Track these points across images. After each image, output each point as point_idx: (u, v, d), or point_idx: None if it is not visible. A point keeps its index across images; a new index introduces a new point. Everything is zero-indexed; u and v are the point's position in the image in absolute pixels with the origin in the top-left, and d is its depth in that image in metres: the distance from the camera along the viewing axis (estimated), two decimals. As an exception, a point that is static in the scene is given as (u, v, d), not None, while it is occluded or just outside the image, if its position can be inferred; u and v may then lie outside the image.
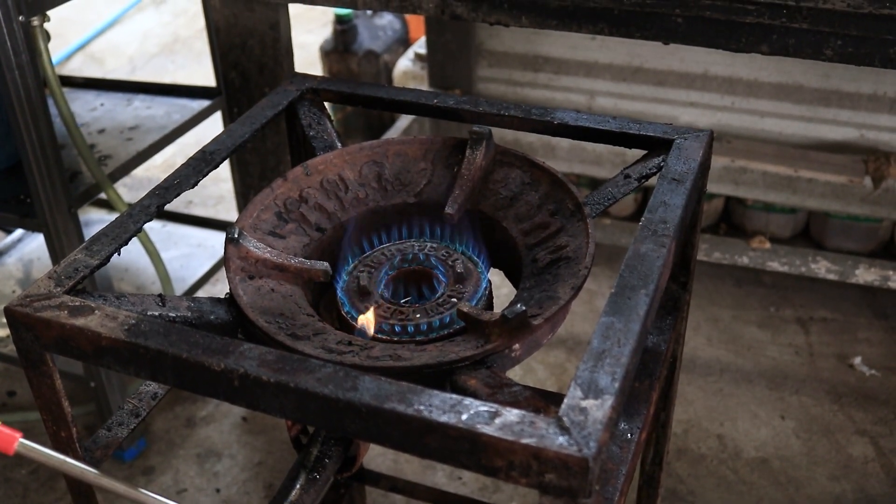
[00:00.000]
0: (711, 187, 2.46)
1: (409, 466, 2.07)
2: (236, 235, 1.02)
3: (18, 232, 2.69)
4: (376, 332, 1.01)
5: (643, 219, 0.99)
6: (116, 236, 1.00)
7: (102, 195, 1.96)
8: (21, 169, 1.82)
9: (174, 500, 0.88)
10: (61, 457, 0.88)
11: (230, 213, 3.04)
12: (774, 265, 2.36)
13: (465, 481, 2.05)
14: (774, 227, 2.59)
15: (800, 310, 2.51)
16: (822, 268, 2.41)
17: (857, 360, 2.32)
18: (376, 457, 2.09)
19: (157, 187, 1.09)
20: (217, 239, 2.55)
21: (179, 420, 2.26)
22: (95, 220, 2.74)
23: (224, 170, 3.31)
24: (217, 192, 3.22)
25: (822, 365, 2.33)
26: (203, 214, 2.82)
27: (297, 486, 0.91)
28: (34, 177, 1.78)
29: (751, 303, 2.55)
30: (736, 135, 2.53)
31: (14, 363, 2.24)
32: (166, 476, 2.10)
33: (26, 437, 0.87)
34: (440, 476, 2.05)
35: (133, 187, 3.18)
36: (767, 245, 2.39)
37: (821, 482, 2.02)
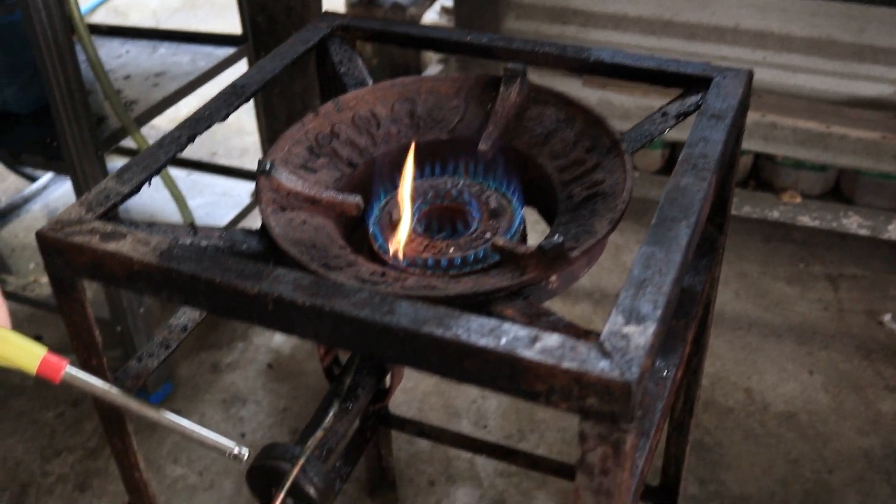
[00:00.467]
0: (741, 141, 2.43)
1: (434, 415, 2.06)
2: (268, 168, 1.01)
3: (43, 179, 2.69)
4: (409, 265, 0.99)
5: (683, 153, 0.97)
6: (147, 165, 0.99)
7: (128, 142, 1.95)
8: (48, 113, 1.82)
9: (227, 437, 0.88)
10: (106, 386, 0.88)
11: (254, 164, 3.02)
12: (805, 220, 2.33)
13: (490, 430, 2.04)
14: (804, 185, 2.55)
15: (829, 266, 2.49)
16: (854, 223, 2.37)
17: (887, 318, 2.30)
18: (401, 405, 2.08)
19: (188, 119, 1.07)
20: (242, 188, 2.54)
21: (205, 366, 2.27)
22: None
23: (248, 121, 3.30)
24: (241, 144, 3.20)
25: (851, 321, 2.31)
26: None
27: (331, 414, 0.90)
28: (61, 120, 1.77)
29: (780, 258, 2.52)
30: (767, 90, 2.49)
31: (40, 307, 2.25)
32: (192, 420, 2.10)
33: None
34: (465, 425, 2.05)
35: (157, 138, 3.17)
36: (798, 199, 2.36)
37: (849, 436, 2.00)
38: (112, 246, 0.86)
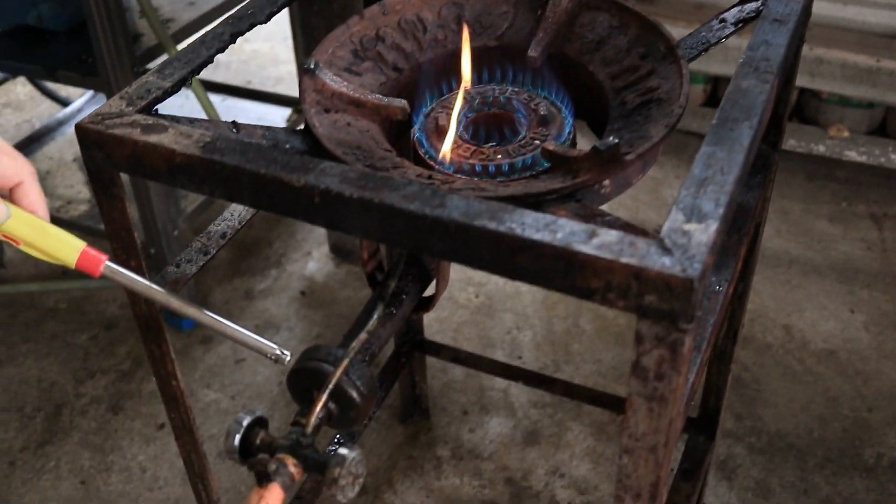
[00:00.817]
0: (788, 74, 2.37)
1: (468, 345, 2.04)
2: (313, 66, 0.98)
3: (79, 102, 2.68)
4: (455, 171, 0.96)
5: (744, 56, 0.92)
6: (189, 61, 0.96)
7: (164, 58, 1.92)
8: (83, 31, 1.80)
9: (268, 339, 0.86)
10: (146, 282, 0.85)
11: (289, 92, 2.99)
12: (852, 154, 2.28)
13: (525, 361, 2.02)
14: (850, 123, 2.50)
15: (873, 205, 2.43)
16: (902, 159, 2.32)
17: (932, 257, 2.25)
18: (435, 334, 2.07)
19: (230, 16, 1.04)
20: (276, 114, 2.51)
21: (238, 292, 2.26)
22: (155, 93, 2.71)
23: (283, 50, 3.26)
24: (276, 73, 3.17)
25: (894, 260, 2.26)
26: (263, 92, 2.78)
27: (375, 318, 0.88)
28: (98, 36, 1.75)
29: (822, 196, 2.47)
30: (815, 22, 2.42)
31: (74, 229, 2.24)
32: (225, 346, 2.10)
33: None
34: (500, 356, 2.03)
35: (192, 66, 3.14)
36: (846, 133, 2.30)
37: (890, 376, 1.97)
38: (153, 138, 0.84)
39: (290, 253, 2.37)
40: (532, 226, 0.71)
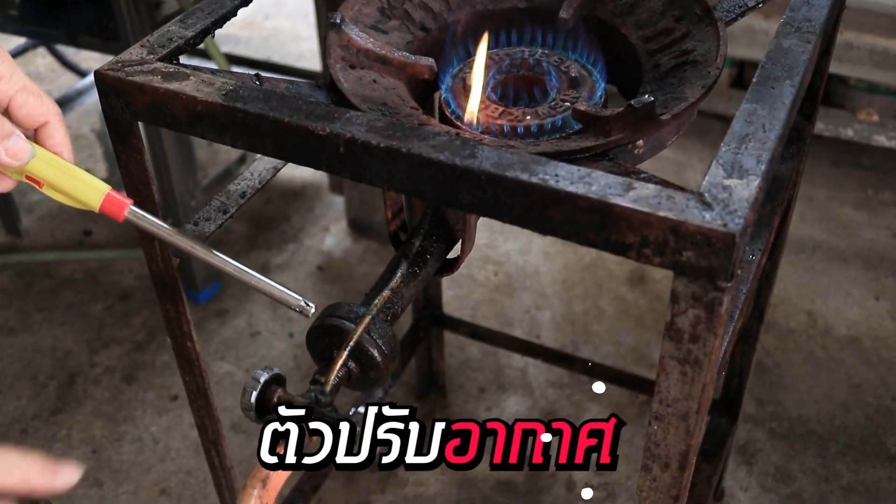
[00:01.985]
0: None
1: (486, 323, 2.02)
2: (339, 21, 0.95)
3: (98, 73, 2.65)
4: (483, 131, 0.94)
5: (785, 18, 0.89)
6: (212, 11, 0.94)
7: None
8: (104, -4, 1.78)
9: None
10: (170, 228, 0.83)
11: (310, 67, 2.97)
12: (881, 139, 2.23)
13: (543, 340, 2.00)
14: (877, 110, 2.45)
15: (900, 193, 2.40)
16: (931, 146, 2.28)
17: (959, 246, 2.21)
18: (453, 312, 2.04)
19: (255, -30, 1.02)
20: (298, 89, 2.48)
21: (254, 266, 2.22)
22: (175, 65, 2.69)
23: (304, 27, 3.24)
24: (297, 49, 3.14)
25: (921, 249, 2.23)
26: (283, 67, 2.75)
27: (398, 275, 0.85)
28: (119, 1, 1.72)
29: (848, 183, 2.43)
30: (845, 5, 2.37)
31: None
32: (240, 319, 2.08)
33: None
34: (518, 334, 2.00)
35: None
36: (875, 118, 2.26)
37: (915, 364, 1.94)
38: (175, 85, 0.81)
39: (307, 228, 2.35)
40: (566, 178, 0.68)
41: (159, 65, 0.85)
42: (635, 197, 0.66)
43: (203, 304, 2.13)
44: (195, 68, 0.87)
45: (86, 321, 2.11)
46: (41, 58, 3.07)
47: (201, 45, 0.94)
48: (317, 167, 0.77)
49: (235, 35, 3.20)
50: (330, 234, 2.33)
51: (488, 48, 1.06)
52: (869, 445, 1.78)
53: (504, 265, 2.21)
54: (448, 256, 0.94)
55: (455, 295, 2.12)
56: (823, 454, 1.77)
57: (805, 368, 1.94)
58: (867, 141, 2.27)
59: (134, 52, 0.87)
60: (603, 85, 1.01)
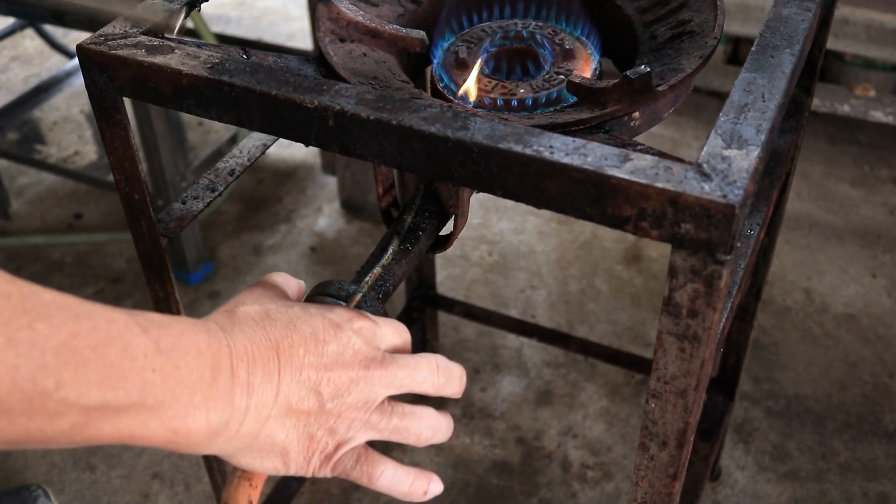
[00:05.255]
0: (812, 34, 2.31)
1: (481, 303, 2.00)
2: (327, -7, 0.93)
3: (86, 54, 2.62)
4: (476, 105, 0.92)
5: (783, -14, 0.88)
6: (198, -17, 0.92)
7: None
8: (91, -29, 1.75)
9: None
10: None
11: (302, 48, 2.94)
12: (878, 115, 2.21)
13: (539, 320, 1.98)
14: (874, 86, 2.43)
15: (896, 169, 2.38)
16: (929, 122, 2.26)
17: (957, 222, 2.20)
18: (447, 292, 2.02)
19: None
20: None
21: (247, 248, 2.22)
22: (164, 45, 2.66)
23: (294, 7, 3.21)
24: (287, 29, 3.11)
25: (918, 225, 2.22)
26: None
27: (389, 252, 0.83)
28: (105, -23, 1.70)
29: (844, 160, 2.42)
30: (842, -22, 2.35)
31: (81, 181, 2.20)
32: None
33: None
34: (513, 314, 1.99)
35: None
36: (872, 93, 2.24)
37: (912, 340, 1.92)
38: (159, 59, 0.79)
39: (300, 208, 2.33)
40: (561, 149, 0.66)
41: (143, 38, 0.83)
42: (632, 168, 0.64)
43: (195, 286, 2.11)
44: (180, 41, 0.85)
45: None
46: (29, 39, 3.05)
47: (191, 25, 0.92)
48: (305, 142, 0.75)
49: (226, 15, 3.17)
50: (323, 214, 2.31)
51: (481, 21, 1.05)
52: (866, 423, 1.77)
53: (498, 245, 2.19)
54: (441, 233, 0.92)
55: (449, 275, 2.10)
56: (820, 432, 1.76)
57: (802, 346, 1.92)
58: (864, 117, 2.25)
59: (117, 25, 0.85)
60: (598, 57, 0.99)
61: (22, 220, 2.32)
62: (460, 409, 1.80)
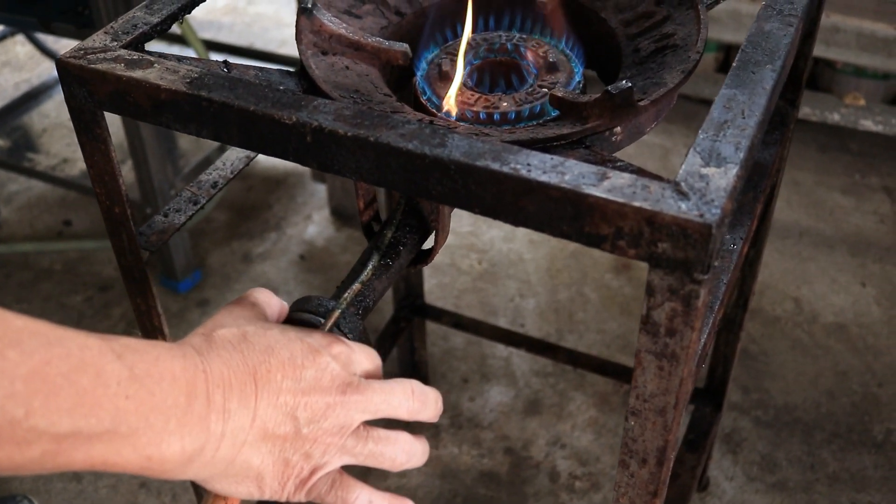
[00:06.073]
0: (803, 42, 2.31)
1: (470, 311, 2.00)
2: (310, 6, 0.92)
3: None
4: (458, 118, 0.91)
5: (766, 1, 0.87)
6: (179, -4, 0.91)
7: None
8: (80, -21, 1.74)
9: None
10: None
11: (293, 55, 2.93)
12: (868, 124, 2.22)
13: (528, 329, 1.98)
14: (864, 94, 2.43)
15: (887, 178, 2.38)
16: (918, 131, 2.26)
17: (946, 231, 2.20)
18: (436, 301, 2.02)
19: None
20: (279, 75, 2.45)
21: (236, 255, 2.21)
22: (156, 50, 2.66)
23: (287, 13, 3.20)
24: (279, 35, 3.11)
25: (908, 234, 2.22)
26: (265, 53, 2.72)
27: (369, 268, 0.83)
28: (93, -15, 1.70)
29: (835, 169, 2.42)
30: (831, -11, 2.36)
31: (71, 189, 2.19)
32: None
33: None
34: (502, 323, 1.98)
35: (194, 29, 3.08)
36: (862, 102, 2.24)
37: (902, 350, 1.92)
38: (138, 73, 0.79)
39: (289, 216, 2.33)
40: (538, 167, 0.66)
41: (123, 52, 0.82)
42: (609, 187, 0.64)
43: (184, 294, 2.10)
44: (160, 55, 0.85)
45: (65, 313, 2.08)
46: (21, 45, 3.04)
47: (179, 32, 0.92)
48: (284, 157, 0.75)
49: (218, 21, 3.17)
50: (312, 222, 2.31)
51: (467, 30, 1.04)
52: (855, 433, 1.77)
53: (488, 253, 2.19)
54: (424, 247, 0.92)
55: (438, 283, 2.10)
56: (809, 442, 1.75)
57: (791, 356, 1.92)
58: (854, 125, 2.25)
59: (97, 38, 0.84)
60: (581, 70, 0.99)
61: (11, 228, 2.31)
62: (448, 418, 1.80)
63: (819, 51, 2.34)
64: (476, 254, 2.18)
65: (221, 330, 0.69)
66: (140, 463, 0.59)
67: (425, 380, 1.85)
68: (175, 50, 2.73)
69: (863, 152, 2.47)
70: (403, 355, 1.81)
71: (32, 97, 2.55)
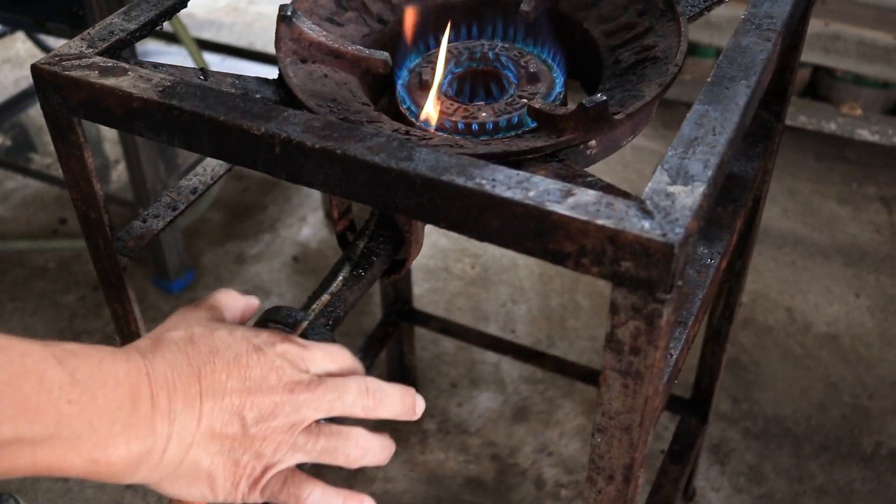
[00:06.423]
0: (801, 51, 2.30)
1: (461, 316, 2.00)
2: (289, 14, 0.92)
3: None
4: (437, 129, 0.91)
5: (746, 14, 0.87)
6: (158, 2, 0.91)
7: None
8: (75, -21, 1.75)
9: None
10: None
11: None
12: (864, 133, 2.21)
13: (518, 335, 1.97)
14: (864, 102, 2.43)
15: (884, 188, 2.37)
16: (916, 141, 2.25)
17: (942, 243, 2.19)
18: (427, 305, 2.02)
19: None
20: (275, 74, 2.45)
21: (229, 256, 2.21)
22: (153, 51, 2.66)
23: (288, 13, 3.20)
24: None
25: (903, 245, 2.21)
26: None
27: (340, 278, 0.83)
28: (88, -14, 1.70)
29: (832, 178, 2.41)
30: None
31: (63, 186, 2.19)
32: (213, 310, 2.05)
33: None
34: (493, 329, 1.98)
35: (195, 28, 3.08)
36: (859, 111, 2.23)
37: (894, 363, 1.91)
38: (111, 81, 0.78)
39: (284, 218, 2.32)
40: (503, 182, 0.66)
41: (98, 59, 0.82)
42: (573, 204, 0.64)
43: (177, 294, 2.10)
44: (138, 62, 0.85)
45: (57, 311, 2.08)
46: (21, 42, 3.04)
47: (170, 28, 0.92)
48: (253, 168, 0.75)
49: (219, 20, 3.17)
50: (307, 224, 2.30)
51: (448, 41, 1.04)
52: (844, 446, 1.76)
53: (481, 258, 2.18)
54: (397, 258, 0.91)
55: (430, 288, 2.09)
56: (798, 454, 1.75)
57: (782, 366, 1.92)
58: (850, 135, 2.25)
59: (73, 45, 0.84)
60: (562, 80, 0.98)
61: (6, 225, 2.31)
62: (436, 424, 1.80)
63: (819, 59, 2.33)
64: (469, 258, 2.18)
65: (171, 332, 0.70)
66: (86, 467, 0.59)
67: (414, 384, 1.84)
68: (173, 50, 2.73)
69: (860, 161, 2.46)
70: (392, 360, 1.81)
71: (31, 94, 2.55)
